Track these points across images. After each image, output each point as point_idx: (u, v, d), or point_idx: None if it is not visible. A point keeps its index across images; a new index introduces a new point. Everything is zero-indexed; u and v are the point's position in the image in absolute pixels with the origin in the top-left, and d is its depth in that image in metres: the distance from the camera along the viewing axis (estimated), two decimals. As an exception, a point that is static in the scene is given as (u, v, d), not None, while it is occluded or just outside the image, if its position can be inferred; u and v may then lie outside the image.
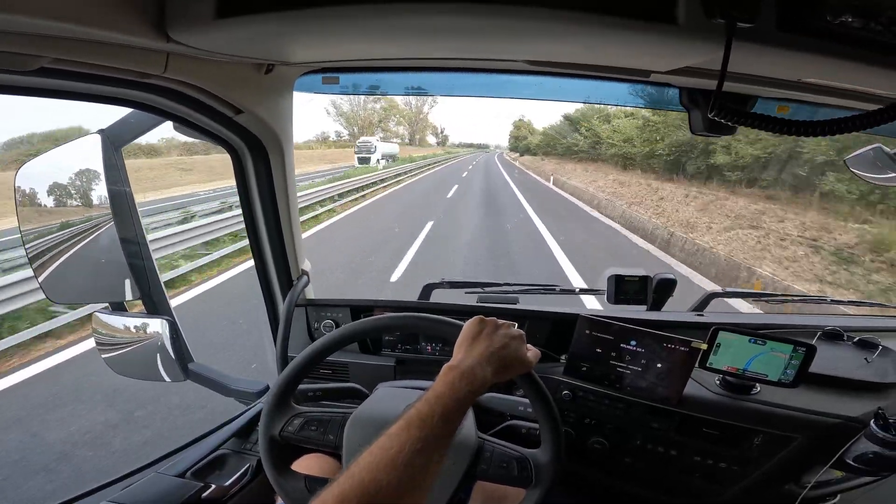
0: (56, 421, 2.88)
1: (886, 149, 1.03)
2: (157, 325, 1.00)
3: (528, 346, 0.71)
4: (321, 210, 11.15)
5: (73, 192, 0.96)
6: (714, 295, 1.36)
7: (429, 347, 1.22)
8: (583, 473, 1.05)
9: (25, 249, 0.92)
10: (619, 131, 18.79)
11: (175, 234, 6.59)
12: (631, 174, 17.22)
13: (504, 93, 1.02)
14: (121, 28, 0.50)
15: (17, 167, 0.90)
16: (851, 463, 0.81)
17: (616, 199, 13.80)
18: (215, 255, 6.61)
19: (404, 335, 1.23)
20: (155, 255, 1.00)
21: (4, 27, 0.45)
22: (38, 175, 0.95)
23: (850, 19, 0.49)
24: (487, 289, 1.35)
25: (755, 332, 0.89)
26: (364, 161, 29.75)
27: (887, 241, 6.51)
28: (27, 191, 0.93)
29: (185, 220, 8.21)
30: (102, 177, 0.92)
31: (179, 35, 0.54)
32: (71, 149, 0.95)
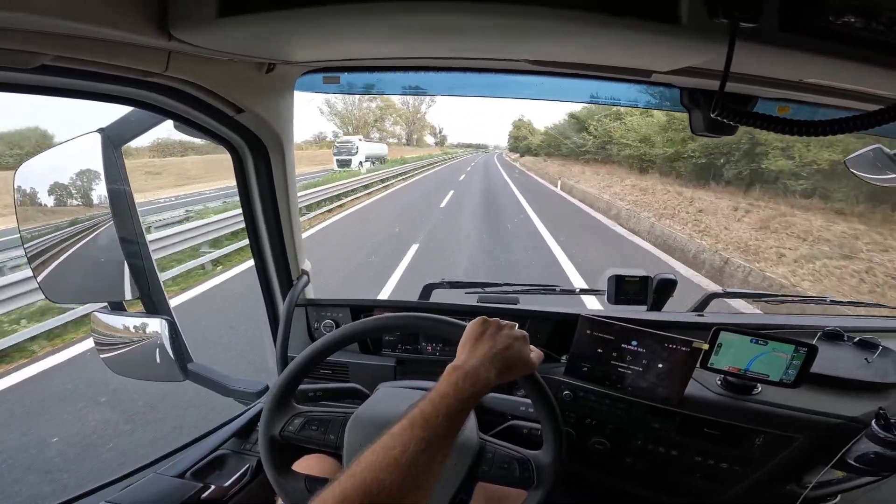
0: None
1: (886, 149, 1.03)
2: (156, 325, 1.00)
3: (532, 346, 0.71)
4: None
5: (72, 191, 0.96)
6: (714, 295, 1.36)
7: (429, 347, 1.22)
8: (584, 474, 1.05)
9: (24, 249, 0.92)
10: (634, 130, 16.57)
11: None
12: (649, 178, 15.10)
13: (505, 92, 1.02)
14: (123, 26, 0.50)
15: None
16: (852, 463, 0.81)
17: (639, 209, 11.45)
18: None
19: (404, 335, 1.23)
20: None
21: (5, 24, 0.44)
22: (38, 174, 0.95)
23: (852, 19, 0.50)
24: (488, 289, 1.35)
25: (756, 332, 0.89)
26: (344, 164, 26.29)
27: None
28: (27, 190, 0.93)
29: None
30: (102, 176, 0.91)
31: (182, 33, 0.54)
32: (70, 148, 0.94)
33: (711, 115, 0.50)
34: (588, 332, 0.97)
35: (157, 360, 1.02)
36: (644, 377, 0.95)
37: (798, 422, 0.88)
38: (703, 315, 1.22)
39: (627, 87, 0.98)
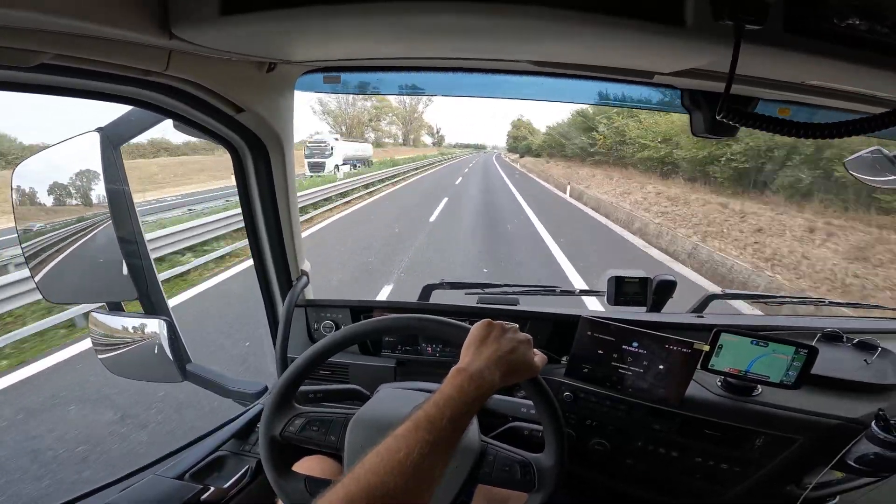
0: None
1: (886, 151, 1.03)
2: (154, 326, 1.00)
3: (535, 349, 0.70)
4: (210, 255, 6.25)
5: (70, 190, 0.95)
6: (714, 296, 1.37)
7: (429, 349, 1.22)
8: (584, 475, 1.05)
9: (22, 248, 0.91)
10: (653, 129, 14.80)
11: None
12: (673, 184, 13.00)
13: (505, 93, 1.02)
14: (123, 24, 0.49)
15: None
16: (852, 464, 0.82)
17: (672, 223, 9.17)
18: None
19: (405, 336, 1.23)
20: None
21: (4, 22, 0.44)
22: (35, 173, 0.94)
23: (856, 22, 0.50)
24: (487, 290, 1.35)
25: (756, 333, 0.89)
26: (317, 168, 21.74)
27: None
28: (24, 189, 0.92)
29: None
30: (100, 176, 0.91)
31: (183, 32, 0.53)
32: (68, 147, 0.94)
33: (717, 117, 0.50)
34: (589, 333, 0.97)
35: (156, 360, 1.01)
36: (645, 378, 0.95)
37: (798, 423, 0.88)
38: (702, 316, 1.22)
39: (628, 88, 0.98)
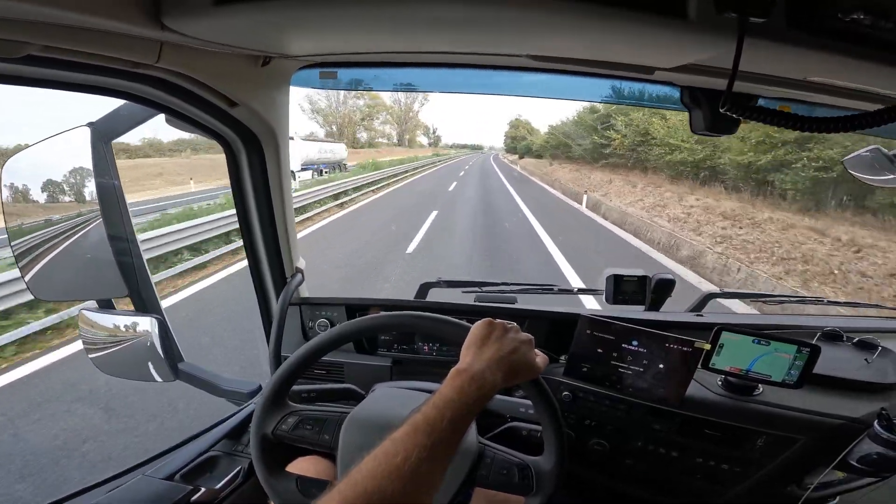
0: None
1: (885, 150, 1.03)
2: (146, 324, 0.98)
3: (537, 350, 0.69)
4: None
5: (61, 186, 0.93)
6: (712, 295, 1.36)
7: (426, 348, 1.21)
8: (583, 475, 1.04)
9: (11, 246, 0.89)
10: (683, 129, 11.95)
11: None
12: (714, 193, 10.60)
13: (503, 89, 1.01)
14: (113, 14, 0.48)
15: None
16: (854, 464, 0.81)
17: (741, 253, 6.73)
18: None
19: (401, 335, 1.21)
20: None
21: None
22: (25, 169, 0.92)
23: (860, 17, 0.49)
24: (485, 288, 1.34)
25: (756, 332, 0.88)
26: None
27: None
28: (15, 185, 0.90)
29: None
30: (91, 171, 0.89)
31: (174, 23, 0.52)
32: (59, 142, 0.92)
33: (721, 110, 0.49)
34: (588, 331, 0.96)
35: (148, 359, 1.00)
36: (644, 378, 0.94)
37: (800, 423, 0.87)
38: (701, 315, 1.21)
39: (627, 85, 0.97)
